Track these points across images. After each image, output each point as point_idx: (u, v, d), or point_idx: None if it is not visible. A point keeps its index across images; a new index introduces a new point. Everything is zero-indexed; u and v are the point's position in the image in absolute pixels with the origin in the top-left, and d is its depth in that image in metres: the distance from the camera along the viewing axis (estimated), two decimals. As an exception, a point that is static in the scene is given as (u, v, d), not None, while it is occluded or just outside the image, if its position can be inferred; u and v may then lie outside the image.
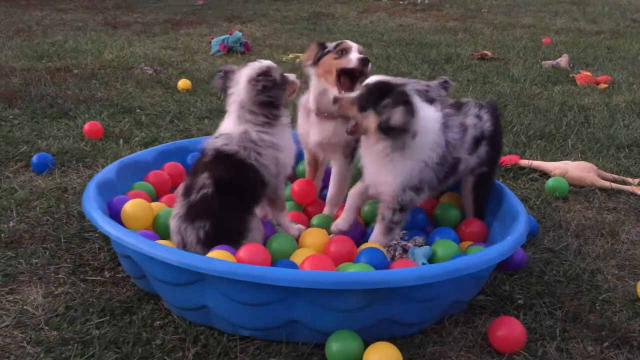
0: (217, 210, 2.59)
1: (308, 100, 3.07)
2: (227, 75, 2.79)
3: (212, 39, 7.87)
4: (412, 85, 3.11)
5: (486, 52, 7.78)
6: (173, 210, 2.71)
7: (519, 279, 2.82)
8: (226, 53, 7.53)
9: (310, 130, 3.07)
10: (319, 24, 10.18)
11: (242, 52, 7.62)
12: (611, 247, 3.17)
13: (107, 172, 3.11)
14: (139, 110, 5.13)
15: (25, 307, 2.53)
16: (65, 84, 5.89)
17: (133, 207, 2.85)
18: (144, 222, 2.86)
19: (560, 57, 7.37)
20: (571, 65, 7.22)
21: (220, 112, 5.12)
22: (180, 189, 2.74)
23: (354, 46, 2.93)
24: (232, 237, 2.56)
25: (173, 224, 2.66)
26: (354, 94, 2.67)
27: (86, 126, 4.48)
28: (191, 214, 2.60)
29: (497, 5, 12.74)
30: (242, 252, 2.43)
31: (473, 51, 7.92)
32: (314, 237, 2.76)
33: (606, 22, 10.59)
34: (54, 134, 4.51)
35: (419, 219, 3.02)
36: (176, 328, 2.42)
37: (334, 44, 2.99)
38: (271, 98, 2.70)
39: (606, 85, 6.32)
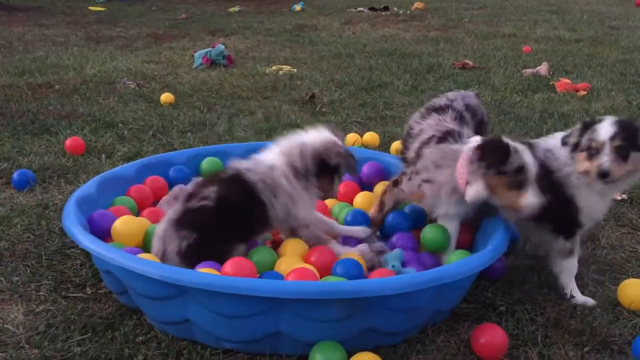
0: (208, 226, 2.57)
1: None
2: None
3: (195, 52, 7.88)
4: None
5: (467, 61, 7.86)
6: (167, 215, 2.71)
7: (501, 286, 2.84)
8: (209, 66, 7.54)
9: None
10: (302, 35, 10.22)
11: (225, 65, 7.63)
12: (591, 252, 3.20)
13: (88, 187, 3.10)
14: (121, 125, 5.12)
15: (6, 326, 2.50)
16: (47, 100, 5.85)
17: (123, 224, 2.83)
18: (135, 239, 2.85)
19: (540, 65, 7.46)
20: (551, 73, 7.31)
21: (203, 125, 5.17)
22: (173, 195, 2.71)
23: (606, 145, 2.58)
24: (212, 258, 2.52)
25: (160, 227, 2.65)
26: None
27: (68, 142, 4.46)
28: (183, 221, 2.59)
29: (478, 15, 12.87)
30: (228, 266, 2.43)
31: (454, 61, 7.99)
32: (293, 246, 2.76)
33: (585, 30, 10.73)
34: (35, 150, 4.48)
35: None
36: (159, 343, 2.41)
37: (586, 139, 2.66)
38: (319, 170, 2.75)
39: (585, 92, 6.40)
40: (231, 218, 2.61)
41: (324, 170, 2.76)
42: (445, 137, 2.85)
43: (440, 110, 3.05)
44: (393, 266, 2.64)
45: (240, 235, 2.67)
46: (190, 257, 2.53)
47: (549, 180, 2.70)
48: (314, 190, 2.80)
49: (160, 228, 2.65)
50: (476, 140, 2.71)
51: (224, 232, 2.59)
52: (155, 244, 2.63)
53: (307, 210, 2.77)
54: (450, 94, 3.23)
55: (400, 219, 3.10)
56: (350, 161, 2.79)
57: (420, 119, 3.07)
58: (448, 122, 2.93)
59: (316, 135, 2.79)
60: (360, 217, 3.11)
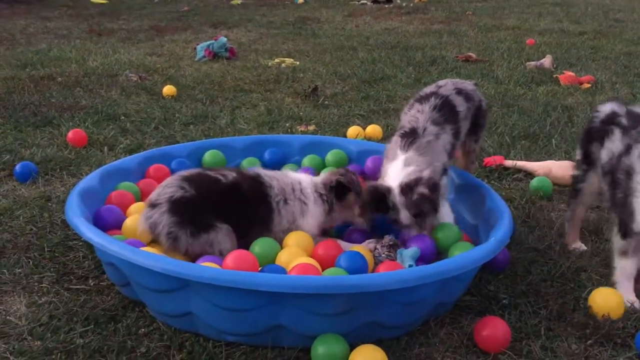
0: (209, 193, 2.68)
1: None
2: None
3: (197, 44, 7.86)
4: None
5: (471, 54, 7.82)
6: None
7: (504, 278, 2.83)
8: (212, 59, 7.51)
9: None
10: (305, 28, 10.18)
11: (227, 57, 7.61)
12: (595, 245, 3.19)
13: (90, 180, 3.09)
14: (123, 117, 5.11)
15: (9, 318, 2.50)
16: (49, 92, 5.85)
17: (134, 221, 2.81)
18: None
19: (544, 57, 7.42)
20: (555, 65, 7.27)
21: (205, 118, 5.16)
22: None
23: None
24: (192, 220, 2.63)
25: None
26: None
27: (70, 134, 4.46)
28: (190, 177, 2.73)
29: (481, 7, 12.81)
30: (229, 259, 2.43)
31: (458, 53, 7.95)
32: (295, 238, 2.76)
33: (589, 23, 10.67)
34: (38, 142, 4.48)
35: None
36: (161, 335, 2.41)
37: None
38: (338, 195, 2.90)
39: (589, 85, 6.38)
40: (233, 201, 2.72)
41: (339, 192, 2.89)
42: (407, 133, 2.91)
43: (423, 99, 3.06)
44: (410, 265, 2.60)
45: (230, 220, 2.72)
46: (177, 207, 2.62)
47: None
48: (334, 216, 2.94)
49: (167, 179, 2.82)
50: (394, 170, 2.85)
51: (217, 208, 2.68)
52: (155, 190, 2.75)
53: (312, 224, 2.87)
54: (442, 81, 3.24)
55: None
56: (357, 186, 2.90)
57: (407, 110, 3.11)
58: (425, 112, 2.96)
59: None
60: None
